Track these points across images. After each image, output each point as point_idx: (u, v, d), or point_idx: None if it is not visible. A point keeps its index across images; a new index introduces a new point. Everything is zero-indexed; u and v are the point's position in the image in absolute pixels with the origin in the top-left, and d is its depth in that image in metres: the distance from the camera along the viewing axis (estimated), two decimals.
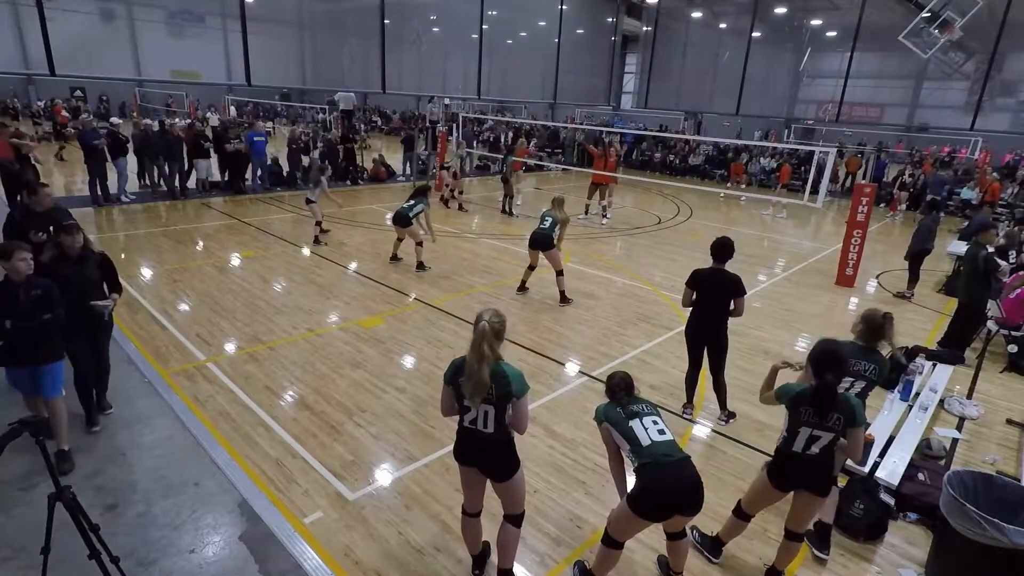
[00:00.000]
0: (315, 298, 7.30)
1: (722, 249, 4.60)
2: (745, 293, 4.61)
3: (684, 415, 4.95)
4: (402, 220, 8.40)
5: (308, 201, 9.74)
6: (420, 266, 8.59)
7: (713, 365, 4.80)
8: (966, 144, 22.46)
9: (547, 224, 7.33)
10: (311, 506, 3.67)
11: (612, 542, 2.94)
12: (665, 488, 2.74)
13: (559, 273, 7.49)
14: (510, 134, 22.84)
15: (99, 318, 4.18)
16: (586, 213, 13.03)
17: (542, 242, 7.31)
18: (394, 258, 8.96)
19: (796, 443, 2.91)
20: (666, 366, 5.93)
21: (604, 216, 12.94)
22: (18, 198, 9.36)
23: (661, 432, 2.85)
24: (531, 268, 7.70)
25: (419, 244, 8.53)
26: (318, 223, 9.79)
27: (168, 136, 12.58)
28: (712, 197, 17.37)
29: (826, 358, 2.81)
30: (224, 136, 13.83)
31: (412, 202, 8.46)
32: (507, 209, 13.12)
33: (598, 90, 31.92)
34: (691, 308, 4.74)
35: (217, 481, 3.84)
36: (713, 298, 4.61)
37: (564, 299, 7.53)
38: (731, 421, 4.88)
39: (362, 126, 25.96)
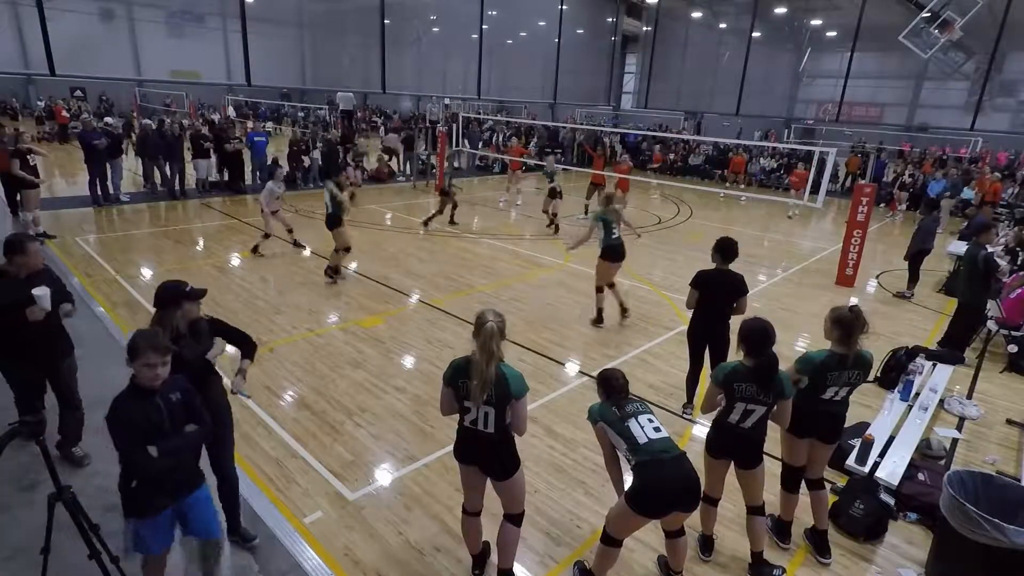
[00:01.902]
0: (315, 298, 7.30)
1: (727, 249, 4.59)
2: (747, 292, 4.64)
3: (684, 415, 4.95)
4: (335, 221, 7.60)
5: (263, 212, 8.79)
6: (330, 272, 7.74)
7: (714, 364, 4.79)
8: (966, 144, 22.44)
9: (617, 233, 6.60)
10: (311, 506, 3.67)
11: (611, 540, 2.95)
12: (664, 485, 2.75)
13: (611, 286, 6.80)
14: (504, 135, 22.74)
15: (224, 410, 3.19)
16: (585, 213, 13.04)
17: (620, 252, 6.60)
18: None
19: (732, 416, 3.10)
20: (666, 366, 5.92)
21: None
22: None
23: (657, 429, 2.87)
24: (611, 287, 6.77)
25: (346, 250, 7.75)
26: (290, 230, 9.07)
27: (167, 136, 12.59)
28: (712, 197, 17.36)
29: (760, 335, 3.03)
30: (223, 136, 13.81)
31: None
32: (427, 222, 11.30)
33: (598, 90, 31.93)
34: (694, 308, 4.74)
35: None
36: (719, 298, 4.63)
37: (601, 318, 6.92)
38: None
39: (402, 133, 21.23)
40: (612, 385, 3.03)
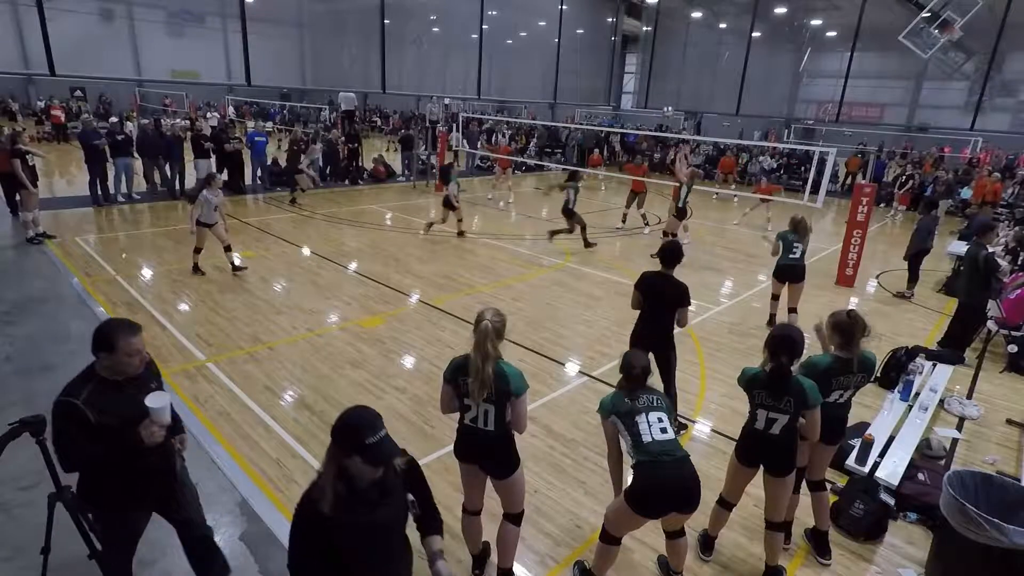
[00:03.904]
0: (315, 298, 7.30)
1: (668, 254, 4.39)
2: (689, 304, 4.31)
3: (682, 416, 4.94)
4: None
5: (199, 223, 7.54)
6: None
7: (662, 376, 4.53)
8: (966, 144, 22.45)
9: (798, 252, 6.64)
10: None
11: (609, 538, 2.95)
12: (662, 486, 2.75)
13: (793, 311, 6.75)
14: (508, 135, 22.71)
15: None
16: (623, 223, 12.56)
17: (795, 273, 6.70)
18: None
19: (757, 423, 3.07)
20: None
21: (646, 223, 12.57)
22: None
23: (663, 431, 2.84)
24: (775, 298, 7.00)
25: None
26: (227, 248, 7.87)
27: (167, 136, 12.58)
28: (712, 197, 17.36)
29: (780, 342, 2.96)
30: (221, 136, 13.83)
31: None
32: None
33: (598, 90, 31.97)
34: (639, 312, 4.53)
35: (217, 481, 3.84)
36: (656, 304, 4.38)
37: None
38: (681, 432, 4.61)
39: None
40: (629, 374, 2.98)
